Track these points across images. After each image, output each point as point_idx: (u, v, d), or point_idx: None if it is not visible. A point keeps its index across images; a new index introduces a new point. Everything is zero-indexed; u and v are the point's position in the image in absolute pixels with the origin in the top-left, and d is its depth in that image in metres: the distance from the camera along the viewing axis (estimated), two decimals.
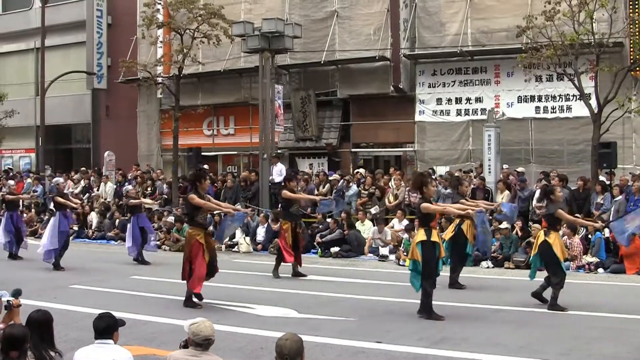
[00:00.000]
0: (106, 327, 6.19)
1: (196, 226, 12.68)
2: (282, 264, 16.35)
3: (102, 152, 31.45)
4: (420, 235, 11.41)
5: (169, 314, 11.78)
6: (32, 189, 28.54)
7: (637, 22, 21.35)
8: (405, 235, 19.07)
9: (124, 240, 20.20)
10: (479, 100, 25.36)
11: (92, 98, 35.05)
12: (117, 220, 24.65)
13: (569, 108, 23.82)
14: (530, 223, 18.86)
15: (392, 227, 20.57)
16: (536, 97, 24.37)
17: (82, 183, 28.70)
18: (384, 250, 19.77)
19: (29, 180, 30.42)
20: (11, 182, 23.12)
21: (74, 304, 12.59)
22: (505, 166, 22.03)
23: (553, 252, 11.92)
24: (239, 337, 9.58)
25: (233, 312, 12.19)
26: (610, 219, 18.52)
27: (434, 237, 11.36)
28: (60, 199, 18.04)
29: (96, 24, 33.56)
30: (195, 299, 12.61)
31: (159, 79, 28.61)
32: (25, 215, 25.30)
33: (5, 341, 5.72)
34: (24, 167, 36.38)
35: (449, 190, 20.96)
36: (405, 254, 18.60)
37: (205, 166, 26.52)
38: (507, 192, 20.54)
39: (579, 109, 22.55)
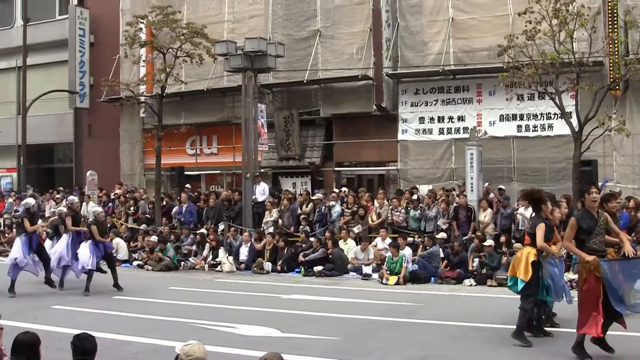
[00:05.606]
0: (92, 349, 6.16)
1: (590, 254, 9.68)
2: None
3: (85, 172, 31.28)
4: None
5: (151, 334, 11.72)
6: (14, 209, 28.35)
7: (616, 41, 21.52)
8: (389, 254, 19.07)
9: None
10: (461, 119, 25.46)
11: (74, 117, 34.96)
12: None
13: (550, 126, 23.96)
14: (513, 241, 18.86)
15: (375, 246, 20.58)
16: (518, 116, 24.49)
17: (64, 202, 28.48)
18: (367, 269, 19.78)
19: (10, 200, 30.30)
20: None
21: (55, 324, 12.46)
22: (486, 184, 22.09)
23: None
24: (222, 356, 9.53)
25: (216, 331, 12.11)
26: None
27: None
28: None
29: (79, 42, 33.52)
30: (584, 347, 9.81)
31: (142, 98, 28.49)
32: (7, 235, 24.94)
33: None
34: (6, 186, 36.19)
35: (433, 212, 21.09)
36: (388, 272, 18.62)
37: (188, 185, 26.58)
38: (489, 210, 20.64)
39: (560, 127, 22.67)
